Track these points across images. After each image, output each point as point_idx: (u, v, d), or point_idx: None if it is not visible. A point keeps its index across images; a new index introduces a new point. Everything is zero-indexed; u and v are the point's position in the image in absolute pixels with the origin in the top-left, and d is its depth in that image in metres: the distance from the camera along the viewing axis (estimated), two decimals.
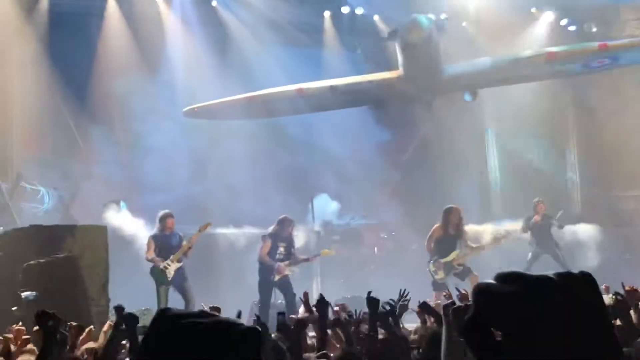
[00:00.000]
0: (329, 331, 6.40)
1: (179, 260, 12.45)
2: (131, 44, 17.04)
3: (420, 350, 5.45)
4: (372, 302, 5.86)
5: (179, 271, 12.43)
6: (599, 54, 15.76)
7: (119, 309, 6.37)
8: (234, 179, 16.81)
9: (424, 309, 6.09)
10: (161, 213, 12.70)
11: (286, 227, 12.82)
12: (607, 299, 4.72)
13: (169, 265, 12.39)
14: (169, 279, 12.38)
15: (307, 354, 5.16)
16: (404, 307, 6.53)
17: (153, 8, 17.23)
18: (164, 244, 12.56)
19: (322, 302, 5.81)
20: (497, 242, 13.31)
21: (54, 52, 16.26)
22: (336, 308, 8.41)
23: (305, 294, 8.25)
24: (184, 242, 12.49)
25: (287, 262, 12.71)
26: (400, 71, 16.06)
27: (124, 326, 5.54)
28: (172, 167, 16.59)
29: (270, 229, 12.90)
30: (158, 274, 12.45)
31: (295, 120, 18.25)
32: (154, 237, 12.67)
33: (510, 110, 18.49)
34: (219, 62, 17.28)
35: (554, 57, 15.91)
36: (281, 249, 12.73)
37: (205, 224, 12.58)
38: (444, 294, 7.19)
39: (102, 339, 7.61)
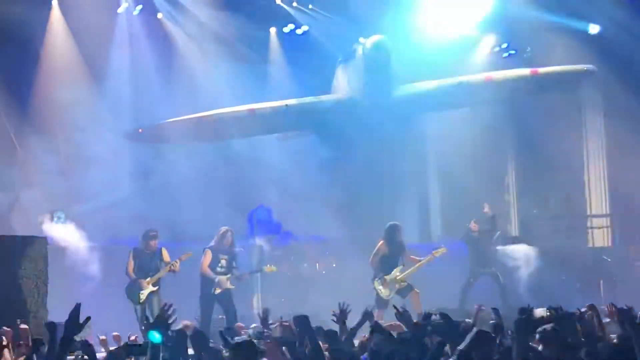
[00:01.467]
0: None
1: (154, 284, 12.48)
2: (75, 53, 16.87)
3: None
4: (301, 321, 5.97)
5: (152, 294, 12.44)
6: (530, 79, 16.47)
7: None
8: (176, 192, 16.71)
9: (377, 329, 6.18)
10: (145, 231, 12.66)
11: (226, 239, 12.82)
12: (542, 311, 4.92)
13: (144, 287, 12.38)
14: (141, 301, 12.38)
15: None
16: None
17: (98, 18, 17.06)
18: (142, 262, 12.54)
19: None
20: (436, 254, 13.52)
21: None
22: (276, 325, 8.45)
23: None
24: (164, 263, 12.50)
25: (228, 276, 12.71)
26: (348, 92, 16.21)
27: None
28: (114, 179, 16.44)
29: (212, 242, 12.91)
30: (132, 295, 12.46)
31: None
32: (134, 251, 12.64)
33: (450, 132, 18.78)
34: (164, 74, 17.21)
35: (491, 80, 16.43)
36: (222, 262, 12.73)
37: (186, 253, 12.70)
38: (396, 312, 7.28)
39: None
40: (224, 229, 12.96)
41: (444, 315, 5.81)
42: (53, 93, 16.52)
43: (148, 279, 12.43)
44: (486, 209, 15.36)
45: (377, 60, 15.31)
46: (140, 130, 16.41)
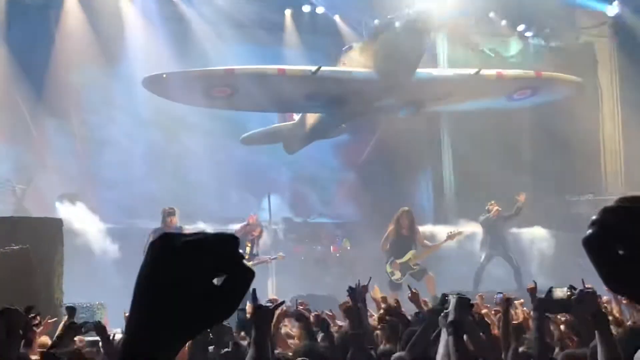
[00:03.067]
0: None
1: None
2: (90, 36, 16.86)
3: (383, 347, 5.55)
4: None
5: None
6: (533, 81, 17.26)
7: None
8: (190, 174, 16.73)
9: (393, 313, 6.20)
10: (162, 210, 12.65)
11: (254, 231, 12.91)
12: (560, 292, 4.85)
13: None
14: None
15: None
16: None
17: (113, 0, 17.07)
18: None
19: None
20: (450, 238, 13.56)
21: (11, 41, 16.07)
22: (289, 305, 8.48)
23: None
24: None
25: (251, 263, 12.78)
26: (373, 67, 15.99)
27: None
28: (128, 161, 16.46)
29: (239, 226, 12.96)
30: None
31: (253, 116, 18.24)
32: (154, 233, 12.62)
33: (465, 114, 18.70)
34: (178, 57, 17.14)
35: (502, 77, 17.13)
36: (247, 249, 12.80)
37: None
38: (409, 294, 7.31)
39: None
40: (256, 222, 13.06)
41: (461, 297, 5.78)
42: (68, 75, 16.54)
43: None
44: (521, 198, 15.19)
45: (419, 29, 15.12)
46: (164, 75, 16.04)
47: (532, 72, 17.46)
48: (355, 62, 16.58)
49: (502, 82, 17.18)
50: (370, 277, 7.54)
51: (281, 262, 15.36)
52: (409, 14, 15.06)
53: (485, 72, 17.07)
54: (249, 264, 11.61)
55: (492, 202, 15.10)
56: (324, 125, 17.57)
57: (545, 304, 4.53)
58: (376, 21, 16.27)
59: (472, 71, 16.85)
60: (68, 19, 16.92)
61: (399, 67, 15.72)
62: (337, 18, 18.23)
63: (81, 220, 14.34)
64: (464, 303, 3.90)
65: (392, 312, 6.51)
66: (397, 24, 15.31)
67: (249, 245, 12.84)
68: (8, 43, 16.09)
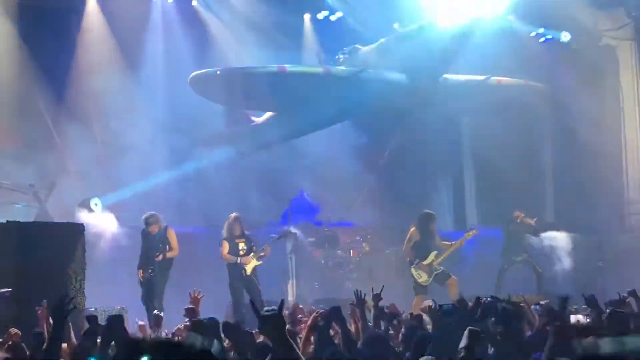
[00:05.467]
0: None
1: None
2: (111, 41, 16.99)
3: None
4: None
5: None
6: (522, 88, 17.50)
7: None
8: (211, 179, 16.79)
9: (416, 320, 6.23)
10: (144, 217, 12.80)
11: (235, 225, 12.87)
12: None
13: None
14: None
15: None
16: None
17: (134, 6, 17.19)
18: (148, 244, 12.65)
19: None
20: (468, 236, 13.60)
21: (32, 47, 16.19)
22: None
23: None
24: (168, 242, 12.62)
25: (251, 255, 12.77)
26: (402, 69, 15.86)
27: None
28: (150, 166, 16.55)
29: (223, 232, 12.99)
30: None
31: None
32: (142, 234, 12.80)
33: (486, 118, 18.65)
34: (198, 62, 17.24)
35: (500, 84, 17.39)
36: (241, 245, 12.80)
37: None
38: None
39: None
40: (231, 217, 13.00)
41: (472, 330, 5.81)
42: (90, 80, 16.66)
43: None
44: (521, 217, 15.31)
45: (466, 33, 15.00)
46: (218, 71, 15.88)
47: (522, 81, 17.60)
48: (371, 65, 16.49)
49: (499, 89, 17.31)
50: (383, 286, 7.61)
51: (301, 266, 15.36)
52: (459, 17, 14.88)
53: (493, 78, 17.19)
54: (254, 260, 11.54)
55: (517, 212, 15.15)
56: (299, 128, 17.31)
57: (565, 331, 4.53)
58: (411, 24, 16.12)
59: (482, 77, 16.90)
60: (89, 24, 17.06)
61: (431, 69, 15.57)
62: (355, 23, 18.23)
63: (103, 225, 14.42)
64: (475, 335, 4.06)
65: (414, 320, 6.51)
66: (441, 25, 15.07)
67: (243, 241, 12.82)
68: (30, 48, 16.21)
